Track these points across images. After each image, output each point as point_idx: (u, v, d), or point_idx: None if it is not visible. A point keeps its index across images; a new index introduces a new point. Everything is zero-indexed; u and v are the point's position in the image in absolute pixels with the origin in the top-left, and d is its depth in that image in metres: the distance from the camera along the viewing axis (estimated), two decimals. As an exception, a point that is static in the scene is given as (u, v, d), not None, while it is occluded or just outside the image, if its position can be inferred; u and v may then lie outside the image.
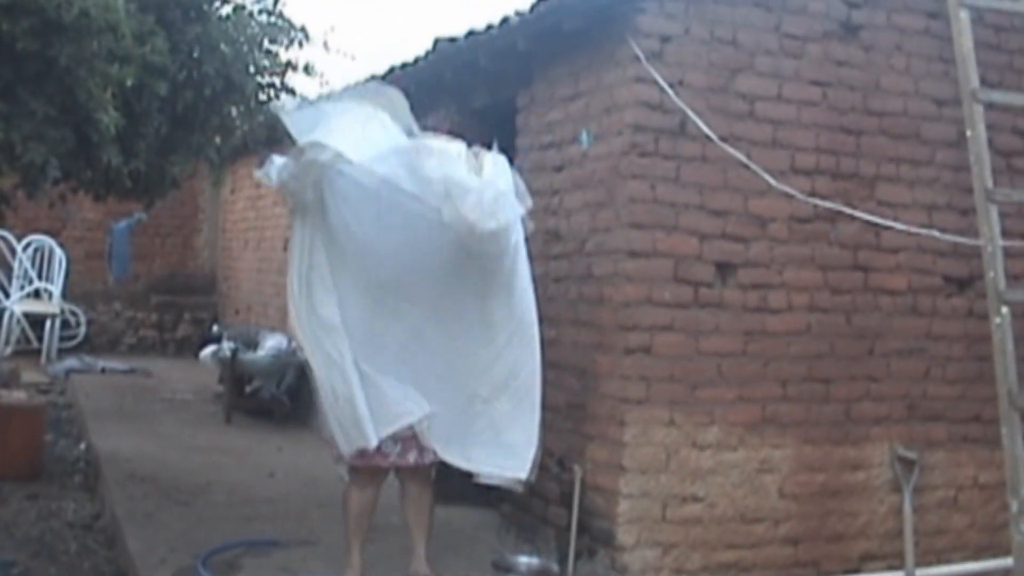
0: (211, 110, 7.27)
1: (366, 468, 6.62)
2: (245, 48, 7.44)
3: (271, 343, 11.89)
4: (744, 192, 6.96)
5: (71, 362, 14.27)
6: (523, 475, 6.39)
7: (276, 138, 7.98)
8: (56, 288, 15.03)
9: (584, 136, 7.07)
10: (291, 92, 8.14)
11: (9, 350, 14.22)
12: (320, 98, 6.77)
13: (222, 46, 7.12)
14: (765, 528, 7.04)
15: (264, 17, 7.70)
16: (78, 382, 13.31)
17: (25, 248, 15.02)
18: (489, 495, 8.07)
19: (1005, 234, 6.78)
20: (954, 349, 7.59)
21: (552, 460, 7.07)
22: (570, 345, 7.17)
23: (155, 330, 16.51)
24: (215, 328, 15.02)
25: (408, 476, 6.75)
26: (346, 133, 6.25)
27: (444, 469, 7.64)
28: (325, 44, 7.78)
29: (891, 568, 7.28)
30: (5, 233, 14.67)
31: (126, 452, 9.60)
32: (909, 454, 7.39)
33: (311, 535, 7.50)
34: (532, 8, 7.23)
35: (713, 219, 6.89)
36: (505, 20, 7.55)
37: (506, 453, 6.45)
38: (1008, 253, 6.77)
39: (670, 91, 6.72)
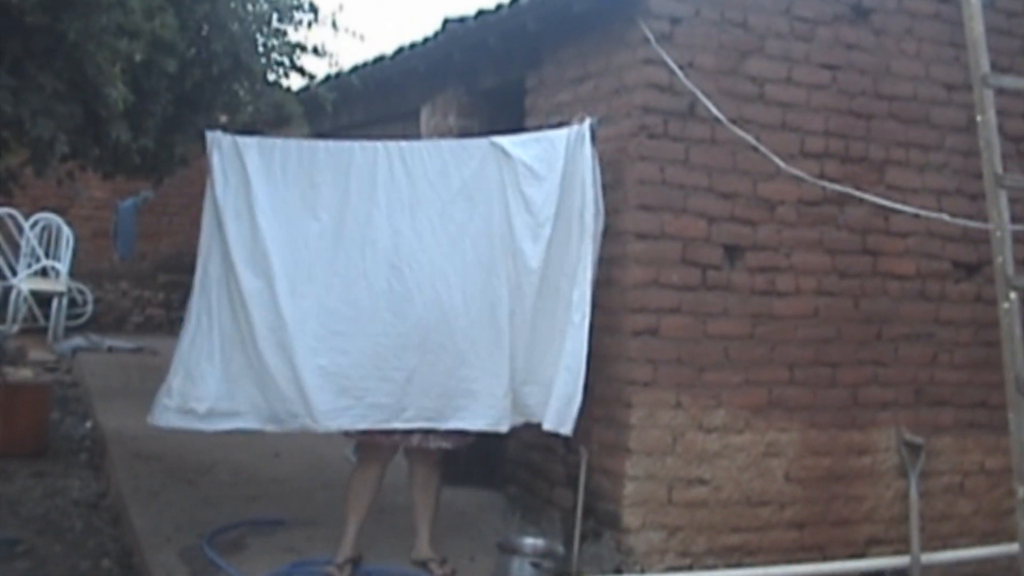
0: (218, 89, 7.27)
1: (369, 445, 6.75)
2: (254, 27, 7.42)
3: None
4: (753, 175, 6.95)
5: (78, 340, 14.26)
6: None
7: (284, 118, 7.99)
8: (63, 266, 15.00)
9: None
10: (300, 72, 8.12)
11: (16, 328, 14.21)
12: None
13: (231, 24, 7.10)
14: (770, 512, 7.04)
15: (273, -4, 7.68)
16: (84, 361, 13.32)
17: (33, 226, 14.99)
18: (494, 476, 8.09)
19: (1014, 220, 6.74)
20: (962, 335, 7.59)
21: (558, 442, 7.06)
22: (577, 327, 7.15)
23: (162, 309, 16.48)
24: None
25: (417, 459, 6.84)
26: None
27: (449, 451, 7.66)
28: (334, 23, 7.76)
29: (896, 553, 7.27)
30: (13, 211, 14.65)
31: (132, 431, 9.59)
32: (915, 439, 7.38)
33: (316, 515, 7.51)
34: (542, -11, 7.22)
35: (722, 202, 6.88)
36: (515, 1, 7.52)
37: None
38: (1017, 239, 6.72)
39: (680, 73, 6.71)
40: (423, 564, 6.75)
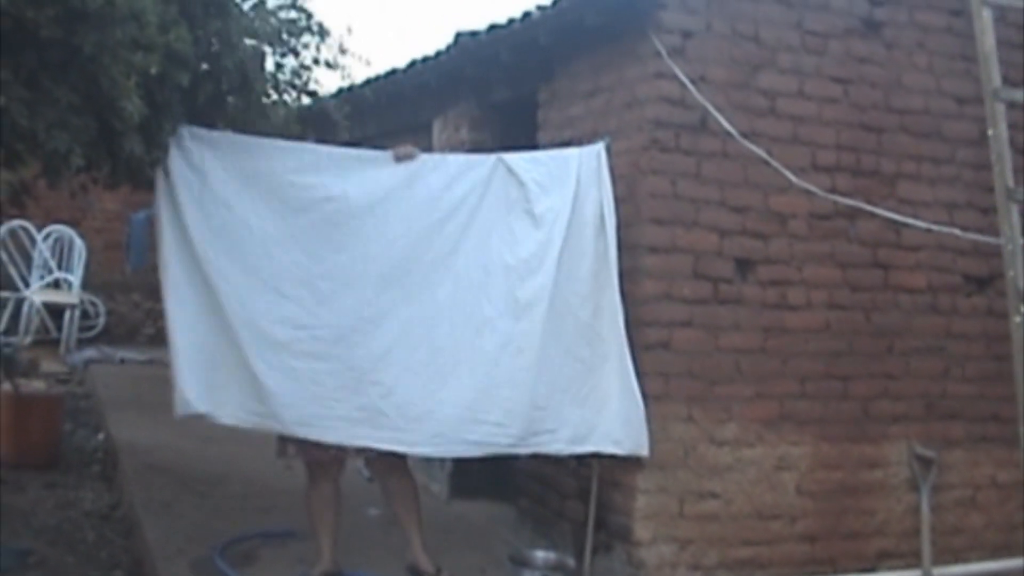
0: (229, 104, 7.28)
1: (315, 463, 6.70)
2: (264, 45, 7.43)
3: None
4: (764, 188, 6.96)
5: (90, 352, 14.25)
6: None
7: (293, 135, 8.01)
8: (76, 278, 14.99)
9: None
10: (309, 94, 8.13)
11: (28, 340, 14.21)
12: None
13: (241, 41, 7.11)
14: (782, 525, 7.04)
15: (283, 13, 7.69)
16: (96, 372, 13.32)
17: (45, 238, 15.00)
18: (505, 489, 8.09)
19: (1025, 233, 6.77)
20: (973, 348, 7.59)
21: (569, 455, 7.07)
22: (589, 340, 7.16)
23: (174, 321, 16.47)
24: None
25: (383, 471, 6.83)
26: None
27: (461, 464, 7.66)
28: (341, 47, 7.77)
29: (908, 567, 7.27)
30: (25, 223, 14.65)
31: (144, 442, 9.60)
32: (927, 452, 7.38)
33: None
34: (554, 3, 7.22)
35: (733, 215, 6.89)
36: (527, 15, 7.53)
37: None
38: (1029, 252, 6.76)
39: (691, 87, 6.72)
40: (419, 573, 6.74)
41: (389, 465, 6.76)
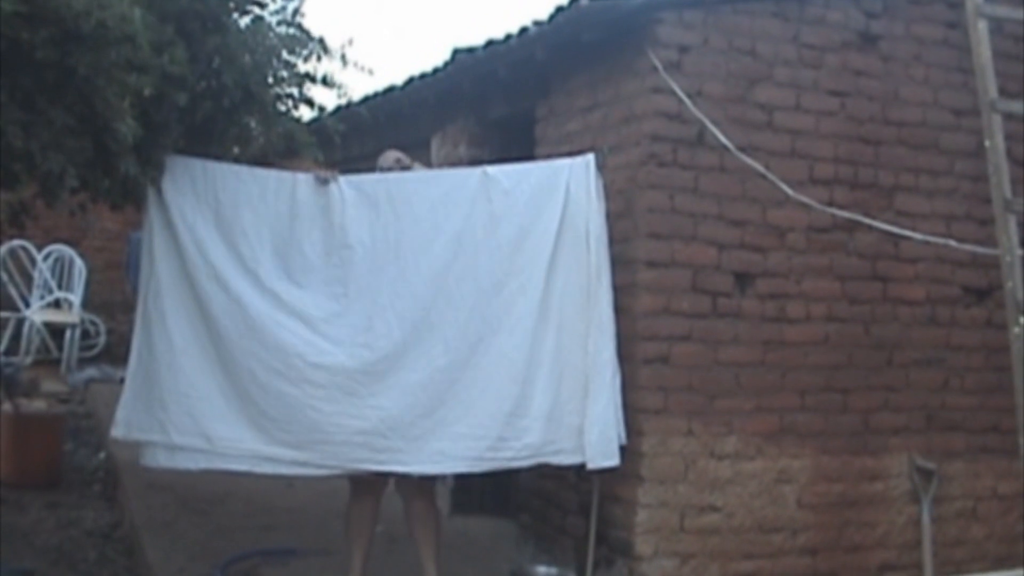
0: (229, 121, 7.27)
1: (360, 478, 6.63)
2: (264, 59, 7.42)
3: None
4: (762, 202, 6.96)
5: (91, 372, 14.22)
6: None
7: (294, 148, 8.03)
8: (76, 298, 14.97)
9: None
10: (309, 103, 8.12)
11: (29, 360, 14.20)
12: None
13: (241, 57, 7.11)
14: (783, 538, 7.03)
15: (283, 29, 7.68)
16: (97, 392, 13.28)
17: (45, 258, 14.99)
18: (507, 505, 8.08)
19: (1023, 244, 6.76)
20: (973, 359, 7.58)
21: (570, 470, 7.06)
22: (588, 355, 7.16)
23: (174, 340, 16.44)
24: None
25: (410, 493, 6.72)
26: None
27: (463, 480, 7.64)
28: (343, 58, 7.77)
29: (910, 579, 7.28)
30: (25, 243, 14.65)
31: (145, 461, 9.61)
32: (927, 464, 7.38)
33: (329, 545, 7.48)
34: (550, 19, 7.22)
35: (731, 229, 6.90)
36: (523, 31, 7.53)
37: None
38: (1027, 264, 6.76)
39: (688, 101, 6.73)
40: None
41: (417, 488, 6.68)
